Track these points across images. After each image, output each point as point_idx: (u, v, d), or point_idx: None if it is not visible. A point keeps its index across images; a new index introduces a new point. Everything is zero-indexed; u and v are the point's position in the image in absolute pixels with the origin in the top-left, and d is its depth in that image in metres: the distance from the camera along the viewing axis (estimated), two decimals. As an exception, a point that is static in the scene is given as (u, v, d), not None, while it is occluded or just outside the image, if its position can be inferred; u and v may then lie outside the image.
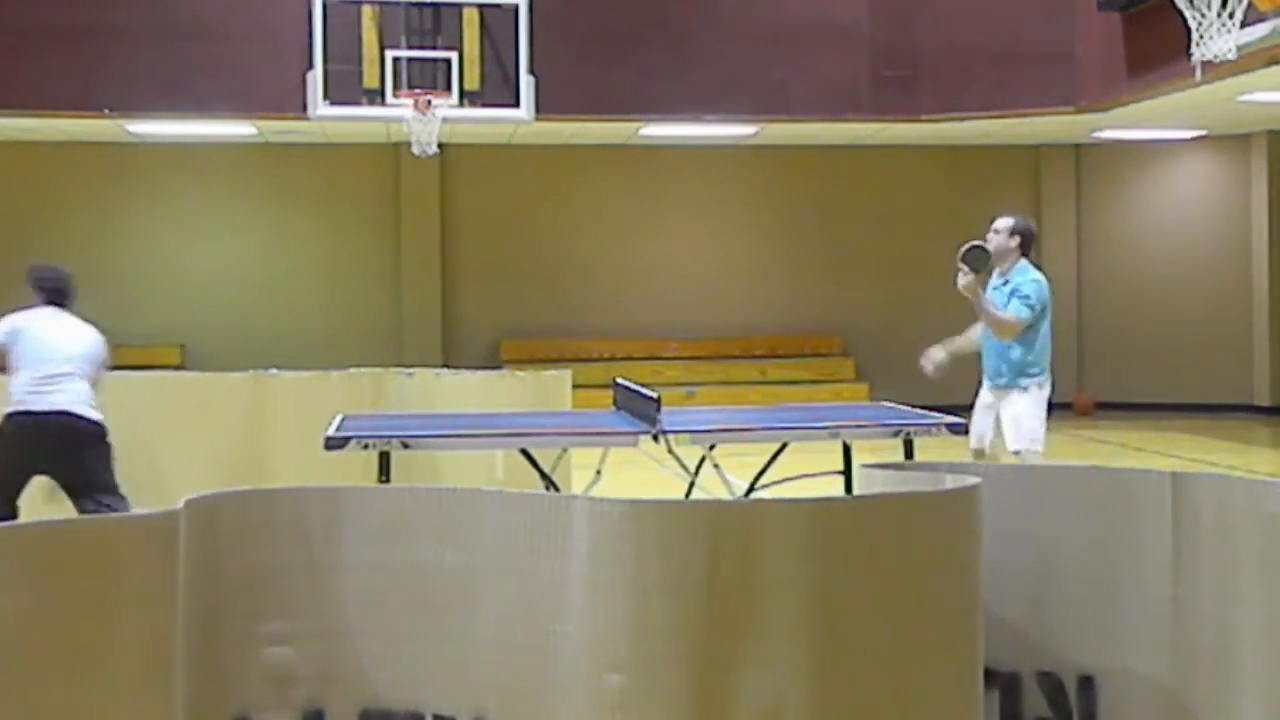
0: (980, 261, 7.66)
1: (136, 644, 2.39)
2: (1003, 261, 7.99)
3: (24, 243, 16.75)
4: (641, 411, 7.19)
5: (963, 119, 15.10)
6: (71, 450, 7.37)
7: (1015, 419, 7.87)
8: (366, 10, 13.02)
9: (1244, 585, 2.64)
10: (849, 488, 7.58)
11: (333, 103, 12.98)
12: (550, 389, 9.46)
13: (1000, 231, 8.09)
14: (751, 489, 7.71)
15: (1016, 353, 7.95)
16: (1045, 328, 8.06)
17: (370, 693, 2.66)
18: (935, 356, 8.21)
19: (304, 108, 13.11)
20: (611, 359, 16.89)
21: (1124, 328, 17.88)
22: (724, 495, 7.83)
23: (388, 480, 6.65)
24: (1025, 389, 7.93)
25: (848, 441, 7.58)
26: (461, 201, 17.63)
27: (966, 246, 7.71)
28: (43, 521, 2.37)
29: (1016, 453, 7.84)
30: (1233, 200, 17.80)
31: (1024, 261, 8.05)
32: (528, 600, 2.57)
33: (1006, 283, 7.95)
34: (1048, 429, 8.02)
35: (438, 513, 2.66)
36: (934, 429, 7.10)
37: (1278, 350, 17.36)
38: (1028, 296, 7.84)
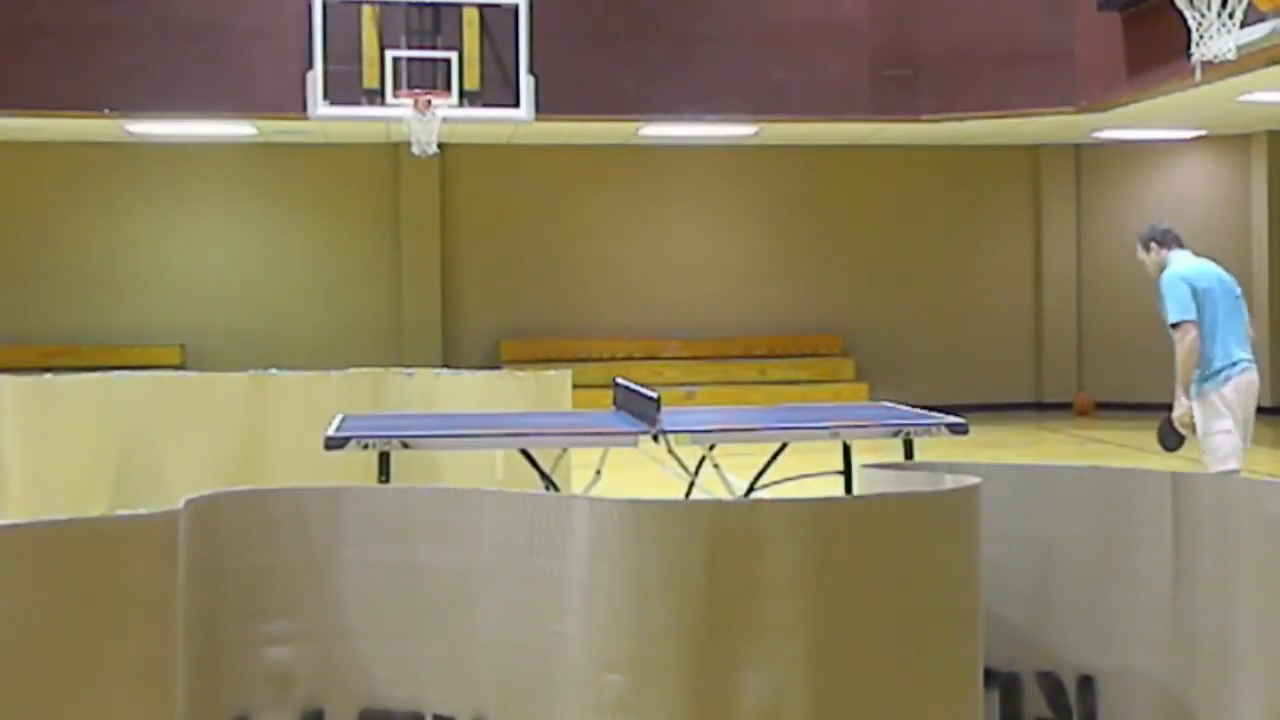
0: (1169, 436, 7.34)
1: (136, 644, 2.39)
2: (1159, 271, 7.57)
3: (23, 242, 16.78)
4: (641, 411, 7.19)
5: (962, 119, 15.10)
6: None
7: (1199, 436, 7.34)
8: (366, 10, 13.02)
9: (1244, 585, 2.64)
10: (849, 488, 7.58)
11: (333, 103, 12.99)
12: (550, 389, 9.46)
13: (1142, 261, 7.73)
14: (751, 489, 7.71)
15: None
16: (1207, 321, 7.38)
17: (370, 693, 2.66)
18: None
19: (304, 108, 13.11)
20: (611, 359, 16.90)
21: (1124, 328, 17.87)
22: (724, 495, 7.83)
23: (388, 480, 6.65)
24: (1198, 396, 7.34)
25: (847, 441, 7.58)
26: (461, 201, 17.63)
27: (1159, 427, 7.42)
28: (42, 521, 2.36)
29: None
30: (1232, 200, 17.79)
31: (1172, 255, 7.60)
32: (527, 600, 2.57)
33: None
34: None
35: (437, 513, 2.66)
36: (934, 429, 7.09)
37: (1277, 350, 17.36)
38: (1164, 301, 7.38)
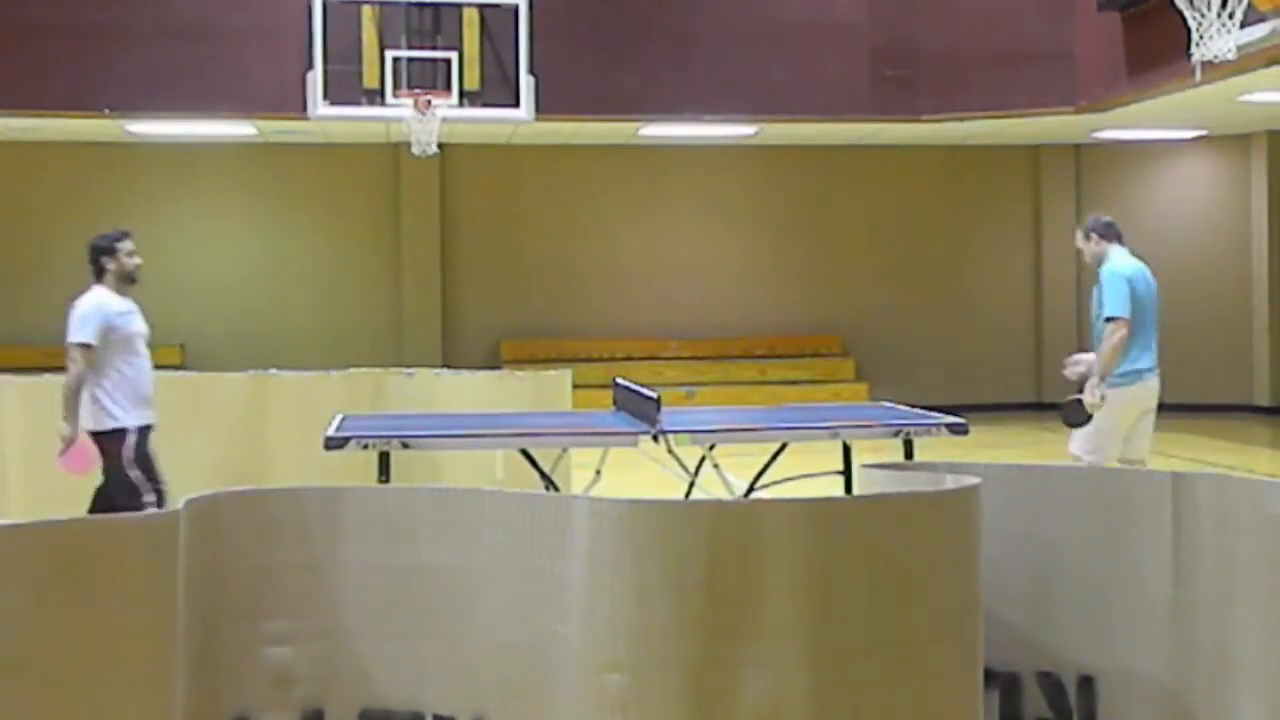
0: (1077, 414, 7.55)
1: (136, 643, 2.39)
2: (1098, 263, 7.80)
3: (23, 242, 16.78)
4: (641, 411, 7.20)
5: (963, 119, 15.10)
6: None
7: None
8: (366, 10, 13.02)
9: (1244, 585, 2.64)
10: (849, 488, 7.58)
11: (333, 103, 12.98)
12: (550, 389, 9.46)
13: (1081, 248, 7.98)
14: (751, 489, 7.71)
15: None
16: (1135, 323, 7.63)
17: (370, 693, 2.66)
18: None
19: (304, 108, 13.11)
20: (611, 359, 16.90)
21: (1124, 328, 17.86)
22: (724, 495, 7.83)
23: (388, 480, 6.65)
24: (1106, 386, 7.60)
25: (847, 441, 7.58)
26: (461, 201, 17.62)
27: (1064, 403, 7.60)
28: (43, 521, 2.37)
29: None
30: (1232, 200, 17.80)
31: (1111, 250, 7.81)
32: (528, 600, 2.57)
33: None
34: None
35: (438, 513, 2.67)
36: (934, 429, 7.10)
37: (1277, 350, 17.37)
38: (1105, 304, 7.56)
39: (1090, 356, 7.85)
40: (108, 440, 7.20)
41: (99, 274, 7.45)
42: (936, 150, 17.81)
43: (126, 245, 7.54)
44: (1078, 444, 7.66)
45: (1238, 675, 2.65)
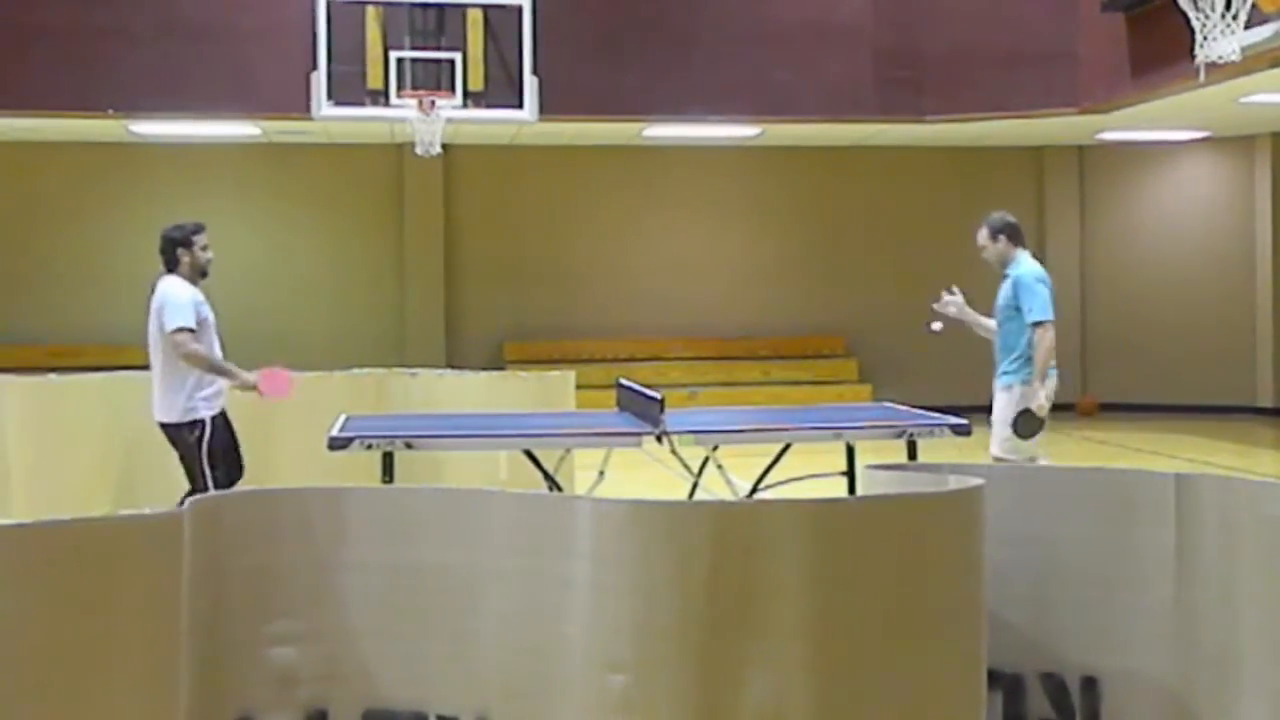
0: (1029, 425, 7.60)
1: (139, 644, 2.40)
2: (1003, 264, 7.97)
3: (27, 243, 16.79)
4: (645, 412, 7.19)
5: (966, 120, 15.09)
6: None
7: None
8: (370, 11, 13.02)
9: (1246, 586, 2.64)
10: (852, 489, 7.58)
11: (336, 103, 12.98)
12: (553, 389, 9.47)
13: (984, 245, 8.07)
14: (755, 490, 7.71)
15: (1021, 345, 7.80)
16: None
17: (373, 693, 2.66)
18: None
19: (308, 108, 13.11)
20: (614, 360, 16.89)
21: (1127, 329, 17.87)
22: (727, 496, 7.83)
23: (391, 480, 6.65)
24: (1024, 385, 7.77)
25: (851, 442, 7.58)
26: (465, 202, 17.63)
27: (1015, 419, 7.63)
28: (45, 521, 2.37)
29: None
30: (1236, 202, 17.78)
31: (1019, 253, 7.97)
32: (531, 601, 2.58)
33: (1006, 277, 7.96)
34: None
35: (441, 513, 2.67)
36: (937, 430, 7.10)
37: (1281, 352, 17.35)
38: (1030, 308, 7.72)
39: (971, 316, 8.25)
40: (188, 431, 7.25)
41: (172, 265, 7.44)
42: (940, 151, 17.81)
43: (202, 239, 7.54)
44: (997, 445, 7.72)
45: (1241, 675, 2.65)
